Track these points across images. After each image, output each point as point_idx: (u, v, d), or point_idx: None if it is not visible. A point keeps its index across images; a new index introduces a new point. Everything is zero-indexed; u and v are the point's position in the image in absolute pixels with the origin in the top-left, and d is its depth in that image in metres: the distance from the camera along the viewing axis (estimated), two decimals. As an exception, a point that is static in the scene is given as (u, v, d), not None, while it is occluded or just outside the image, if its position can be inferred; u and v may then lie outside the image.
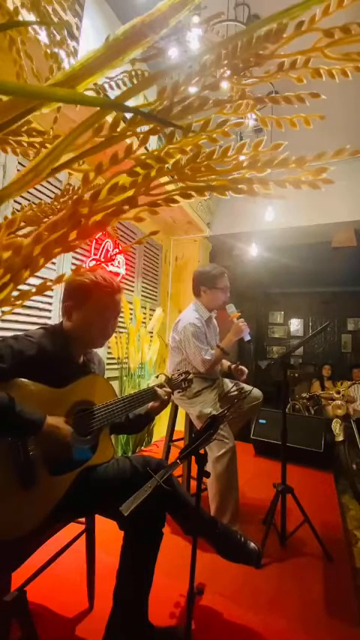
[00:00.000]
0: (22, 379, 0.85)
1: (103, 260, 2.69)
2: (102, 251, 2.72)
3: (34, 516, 0.82)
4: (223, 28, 2.29)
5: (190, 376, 1.41)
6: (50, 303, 2.21)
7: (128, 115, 0.27)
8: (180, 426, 2.05)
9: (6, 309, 0.27)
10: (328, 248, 3.93)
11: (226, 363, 2.05)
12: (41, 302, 2.15)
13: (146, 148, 0.33)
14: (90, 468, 0.97)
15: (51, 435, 0.83)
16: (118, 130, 0.29)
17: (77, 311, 1.01)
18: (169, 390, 1.22)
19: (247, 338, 1.78)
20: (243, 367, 1.97)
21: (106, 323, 1.04)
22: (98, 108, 0.24)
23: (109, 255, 2.78)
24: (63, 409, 0.92)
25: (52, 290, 1.76)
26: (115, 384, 2.93)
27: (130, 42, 0.24)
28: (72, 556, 1.09)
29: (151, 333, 3.31)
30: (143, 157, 0.30)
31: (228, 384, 1.97)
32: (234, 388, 1.95)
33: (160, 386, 1.21)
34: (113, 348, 2.91)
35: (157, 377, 1.42)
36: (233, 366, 1.99)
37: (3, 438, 0.81)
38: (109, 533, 1.02)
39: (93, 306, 1.00)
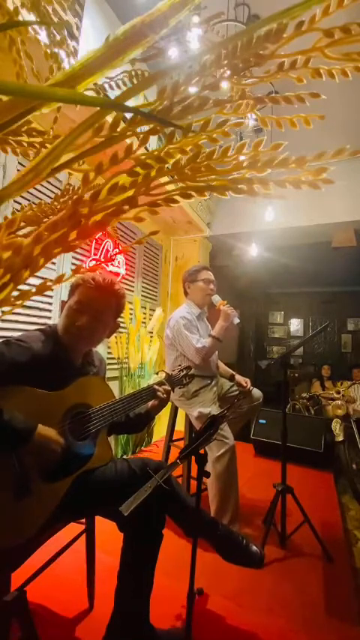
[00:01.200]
0: (15, 385, 0.83)
1: (103, 260, 2.69)
2: (102, 251, 2.72)
3: (31, 524, 0.82)
4: (223, 28, 2.28)
5: (192, 371, 1.40)
6: (50, 303, 2.21)
7: (128, 115, 0.27)
8: (180, 426, 2.05)
9: (6, 309, 0.27)
10: (328, 248, 3.92)
11: (228, 371, 2.05)
12: (41, 302, 2.15)
13: (146, 148, 0.33)
14: (88, 471, 0.96)
15: (42, 445, 0.80)
16: (118, 130, 0.29)
17: (65, 307, 1.01)
18: (168, 388, 1.20)
19: (237, 321, 1.80)
20: (247, 385, 1.95)
21: (83, 319, 0.97)
22: (98, 108, 0.24)
23: (109, 255, 2.78)
24: (59, 413, 0.90)
25: (52, 290, 1.75)
26: (115, 384, 2.93)
27: (130, 42, 0.24)
28: (72, 556, 1.09)
29: (151, 333, 3.31)
30: (143, 157, 0.30)
31: (227, 383, 1.97)
32: (234, 388, 1.96)
33: (160, 384, 1.19)
34: (113, 348, 2.91)
35: (157, 374, 1.41)
36: (237, 377, 1.99)
37: None
38: (109, 533, 1.01)
39: (73, 300, 0.99)
